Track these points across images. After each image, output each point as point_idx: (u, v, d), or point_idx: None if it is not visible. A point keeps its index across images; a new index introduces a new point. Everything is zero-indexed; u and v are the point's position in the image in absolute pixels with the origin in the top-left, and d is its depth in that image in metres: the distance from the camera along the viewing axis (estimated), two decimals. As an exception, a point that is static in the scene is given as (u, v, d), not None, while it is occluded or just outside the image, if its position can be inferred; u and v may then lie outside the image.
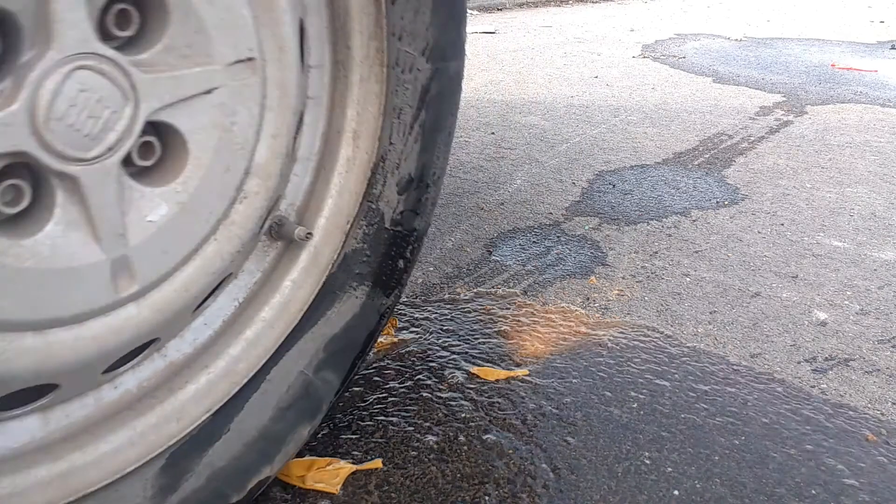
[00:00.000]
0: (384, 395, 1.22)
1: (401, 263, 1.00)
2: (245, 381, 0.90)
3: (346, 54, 0.87)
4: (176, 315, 0.77)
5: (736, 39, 5.42)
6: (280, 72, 0.76)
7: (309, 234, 0.89)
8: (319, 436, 1.12)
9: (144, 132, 0.67)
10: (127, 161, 0.67)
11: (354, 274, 0.96)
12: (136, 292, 0.71)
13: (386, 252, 0.98)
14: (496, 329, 1.43)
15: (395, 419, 1.16)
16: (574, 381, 1.27)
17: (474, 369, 1.29)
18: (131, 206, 0.68)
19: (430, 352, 1.35)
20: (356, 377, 1.26)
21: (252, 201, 0.79)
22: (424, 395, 1.22)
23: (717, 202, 2.13)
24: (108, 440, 0.78)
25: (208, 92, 0.69)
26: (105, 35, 0.62)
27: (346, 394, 1.22)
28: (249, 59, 0.72)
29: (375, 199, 0.95)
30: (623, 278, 1.66)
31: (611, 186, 2.25)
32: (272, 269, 0.92)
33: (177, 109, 0.68)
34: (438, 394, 1.23)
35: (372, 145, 0.92)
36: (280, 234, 0.89)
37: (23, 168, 0.61)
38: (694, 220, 1.99)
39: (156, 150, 0.70)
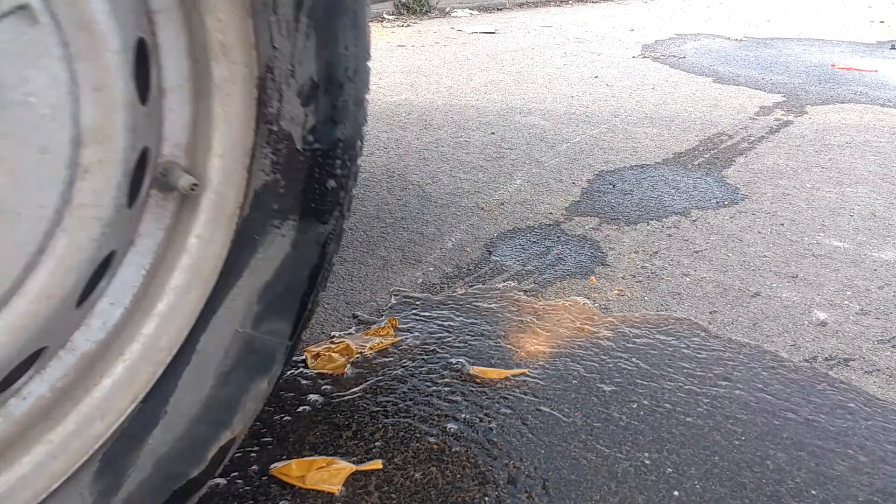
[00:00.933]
0: (384, 395, 1.22)
1: (331, 183, 0.85)
2: (170, 358, 0.82)
3: None
4: (50, 322, 0.69)
5: (736, 39, 5.42)
6: (75, 5, 0.60)
7: (195, 184, 0.76)
8: (319, 435, 1.12)
9: None
10: None
11: (273, 211, 0.83)
12: None
13: (308, 176, 0.84)
14: (496, 329, 1.43)
15: (395, 420, 1.16)
16: (574, 381, 1.27)
17: (474, 369, 1.29)
18: None
19: (430, 352, 1.35)
20: (363, 387, 1.26)
21: (99, 173, 0.66)
22: (424, 395, 1.22)
23: (717, 202, 2.13)
24: (23, 462, 0.72)
25: None
26: None
27: (346, 394, 1.22)
28: (20, 7, 0.57)
29: (274, 119, 0.79)
30: (623, 278, 1.66)
31: (611, 186, 2.25)
32: (174, 226, 0.80)
33: None
34: (438, 394, 1.22)
35: (249, 55, 0.75)
36: (169, 184, 0.77)
37: None
38: (694, 220, 1.99)
39: None
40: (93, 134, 0.65)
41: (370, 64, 0.85)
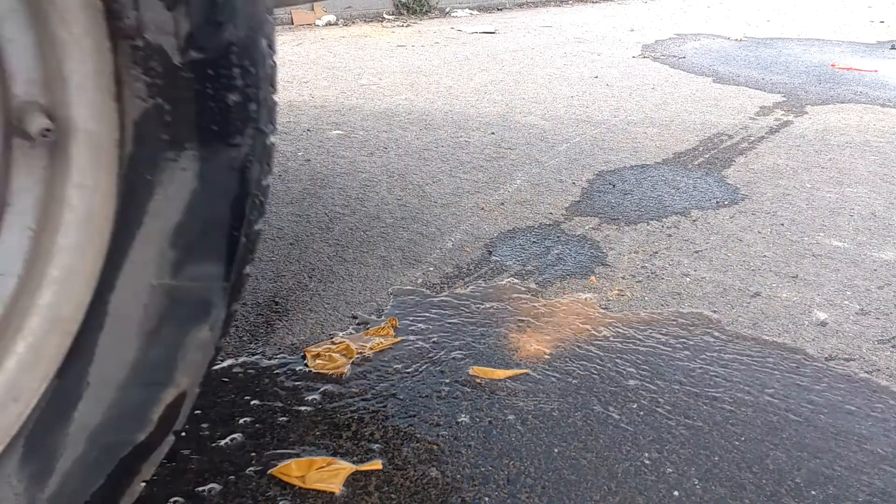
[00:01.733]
0: (384, 395, 1.22)
1: (233, 97, 0.72)
2: (77, 326, 0.74)
3: None
4: None
5: (736, 39, 5.42)
6: None
7: (47, 128, 0.66)
8: (319, 435, 1.12)
9: None
10: None
11: (163, 143, 0.71)
12: None
13: (199, 95, 0.70)
14: (496, 329, 1.43)
15: (395, 420, 1.16)
16: (574, 381, 1.27)
17: (474, 369, 1.29)
18: None
19: (430, 352, 1.35)
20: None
21: None
22: (425, 395, 1.22)
23: (717, 202, 2.13)
24: None
25: None
26: None
27: (346, 394, 1.22)
28: None
29: (136, 32, 0.66)
30: (623, 278, 1.66)
31: (611, 186, 2.25)
32: (50, 178, 0.71)
33: None
34: (438, 394, 1.23)
35: None
36: (27, 130, 0.67)
37: None
38: (694, 220, 1.99)
39: None
40: None
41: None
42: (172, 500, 0.99)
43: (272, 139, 0.79)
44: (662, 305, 1.54)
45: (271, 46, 0.75)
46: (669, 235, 1.90)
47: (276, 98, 0.79)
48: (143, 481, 0.83)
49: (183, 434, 1.11)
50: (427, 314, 1.49)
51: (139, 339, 0.77)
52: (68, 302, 0.73)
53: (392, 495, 1.01)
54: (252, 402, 1.19)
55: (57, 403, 0.75)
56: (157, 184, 0.73)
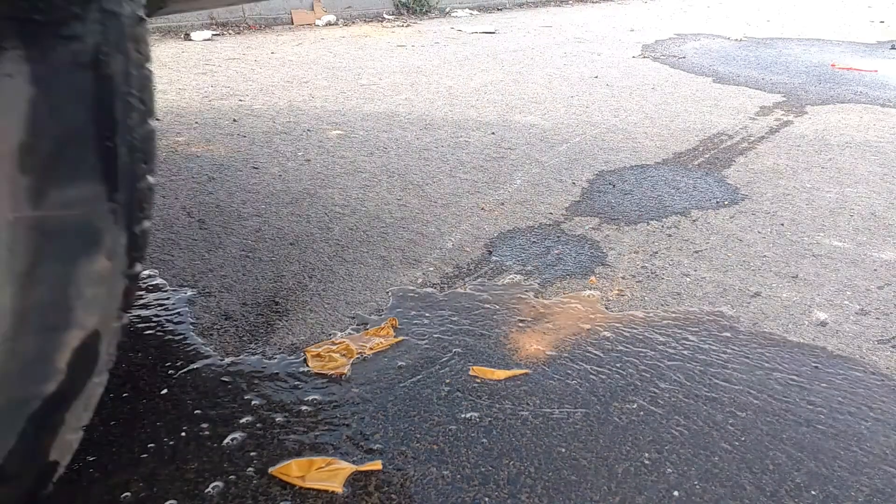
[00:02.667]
0: (384, 395, 1.22)
1: None
2: None
3: None
4: None
5: (736, 39, 5.42)
6: None
7: None
8: (319, 435, 1.12)
9: None
10: None
11: None
12: None
13: None
14: (496, 329, 1.43)
15: (395, 420, 1.16)
16: (574, 381, 1.27)
17: (474, 369, 1.29)
18: None
19: (429, 352, 1.35)
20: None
21: None
22: (424, 395, 1.22)
23: (717, 202, 2.13)
24: None
25: None
26: None
27: (346, 394, 1.22)
28: None
29: None
30: (623, 278, 1.66)
31: (611, 186, 2.25)
32: None
33: None
34: (438, 394, 1.22)
35: None
36: None
37: None
38: (694, 220, 1.99)
39: None
40: None
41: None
42: (172, 500, 0.99)
43: (136, 16, 0.63)
44: (662, 305, 1.54)
45: None
46: (669, 235, 1.90)
47: None
48: (82, 428, 0.76)
49: (183, 434, 1.11)
50: (427, 314, 1.48)
51: (12, 283, 0.67)
52: None
53: (392, 495, 1.01)
54: (252, 402, 1.19)
55: None
56: None
